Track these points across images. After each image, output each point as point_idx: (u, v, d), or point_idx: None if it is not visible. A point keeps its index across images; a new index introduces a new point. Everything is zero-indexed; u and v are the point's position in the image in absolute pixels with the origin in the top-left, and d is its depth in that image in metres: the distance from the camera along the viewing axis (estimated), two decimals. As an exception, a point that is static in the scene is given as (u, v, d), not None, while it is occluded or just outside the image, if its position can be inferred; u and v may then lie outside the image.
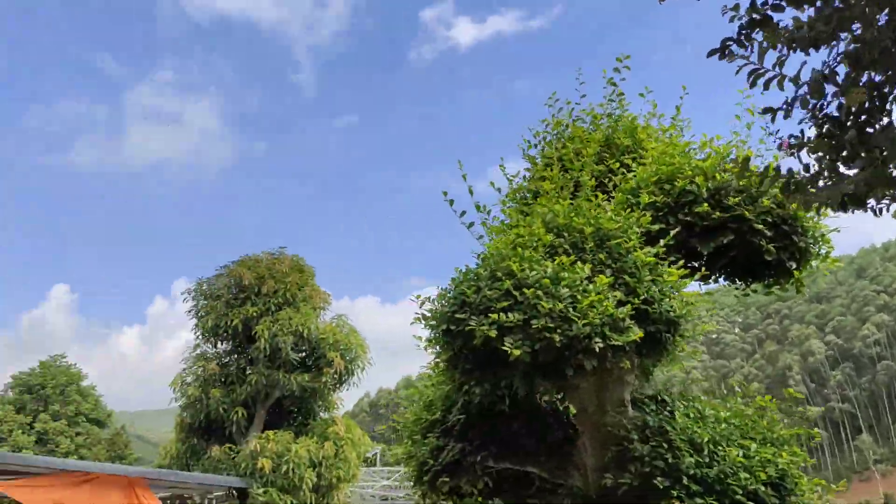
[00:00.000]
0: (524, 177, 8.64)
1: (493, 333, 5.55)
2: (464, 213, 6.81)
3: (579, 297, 5.73)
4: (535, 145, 8.76)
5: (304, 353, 20.30)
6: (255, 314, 19.45)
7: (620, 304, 6.02)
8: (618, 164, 7.69)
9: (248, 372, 19.73)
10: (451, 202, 6.68)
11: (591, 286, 5.87)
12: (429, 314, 6.27)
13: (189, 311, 20.53)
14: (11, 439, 30.23)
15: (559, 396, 7.89)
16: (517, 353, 5.49)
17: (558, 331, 5.59)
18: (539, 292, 5.65)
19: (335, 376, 20.10)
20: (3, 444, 29.46)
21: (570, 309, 5.66)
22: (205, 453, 19.39)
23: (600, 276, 5.97)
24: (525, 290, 5.66)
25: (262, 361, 19.36)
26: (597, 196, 6.92)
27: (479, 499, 8.51)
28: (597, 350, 5.70)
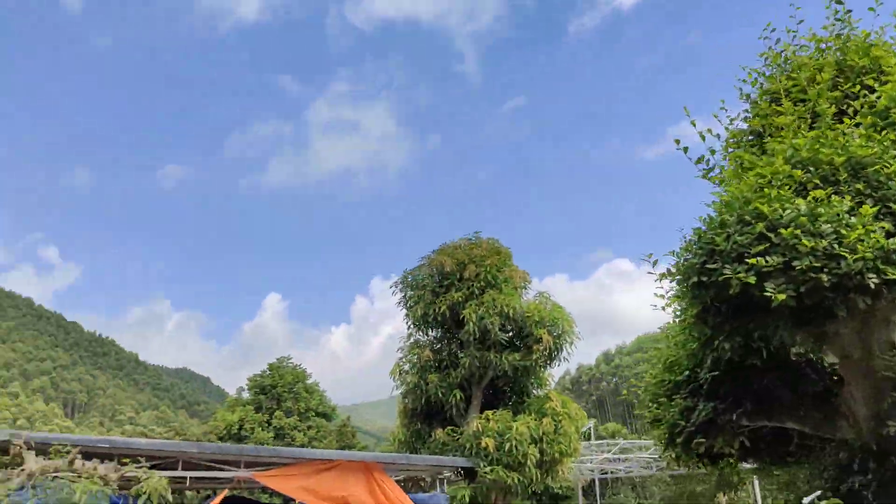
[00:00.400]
0: (745, 118, 8.10)
1: (752, 280, 5.24)
2: (702, 158, 6.50)
3: (843, 231, 5.26)
4: (754, 83, 8.16)
5: (511, 333, 20.52)
6: (460, 299, 19.93)
7: (889, 235, 5.48)
8: (857, 87, 6.99)
9: (460, 355, 20.26)
10: (686, 149, 6.41)
11: (853, 219, 5.38)
12: (673, 269, 6.05)
13: (398, 303, 21.47)
14: (254, 436, 33.29)
15: (814, 346, 7.36)
16: (781, 297, 5.14)
17: (825, 270, 5.17)
18: (797, 231, 5.25)
19: (545, 353, 20.14)
20: (248, 440, 32.50)
21: (836, 245, 5.21)
22: (429, 436, 20.18)
23: (864, 206, 5.45)
24: (781, 231, 5.29)
25: (472, 344, 19.80)
26: (842, 122, 6.33)
27: (731, 460, 8.16)
28: (871, 286, 5.22)
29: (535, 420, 18.85)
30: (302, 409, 35.22)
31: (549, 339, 19.77)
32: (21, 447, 12.00)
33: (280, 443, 33.06)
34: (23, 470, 11.46)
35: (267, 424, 34.57)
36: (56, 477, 11.40)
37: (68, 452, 12.07)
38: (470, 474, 18.76)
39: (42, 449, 12.47)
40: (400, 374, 20.91)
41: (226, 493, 14.71)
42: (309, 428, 34.97)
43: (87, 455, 12.59)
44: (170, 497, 11.69)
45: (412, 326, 21.34)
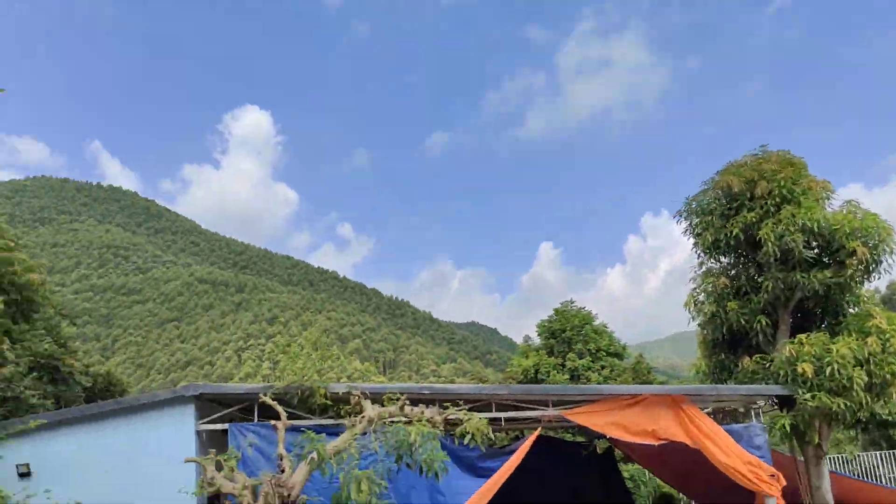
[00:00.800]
0: None
1: None
2: None
3: None
4: None
5: (817, 249, 18.65)
6: (753, 219, 18.51)
7: None
8: None
9: (759, 279, 18.90)
10: None
11: None
12: None
13: (684, 232, 20.55)
14: (550, 379, 34.29)
15: None
16: None
17: None
18: None
19: (860, 267, 18.05)
20: (545, 383, 33.54)
21: None
22: (736, 366, 19.25)
23: None
24: None
25: (773, 265, 18.36)
26: None
27: None
28: None
29: (858, 340, 17.04)
30: (593, 350, 35.45)
31: (864, 251, 17.66)
32: (359, 396, 13.51)
33: (576, 384, 33.67)
34: (363, 417, 12.89)
35: (561, 367, 35.35)
36: (392, 422, 12.68)
37: (398, 399, 13.35)
38: (786, 402, 17.55)
39: (375, 398, 13.94)
40: (695, 304, 20.09)
41: (538, 432, 15.26)
42: (602, 368, 35.15)
43: (413, 401, 13.84)
44: (492, 435, 12.44)
45: (702, 254, 20.31)
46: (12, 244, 18.27)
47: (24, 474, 14.58)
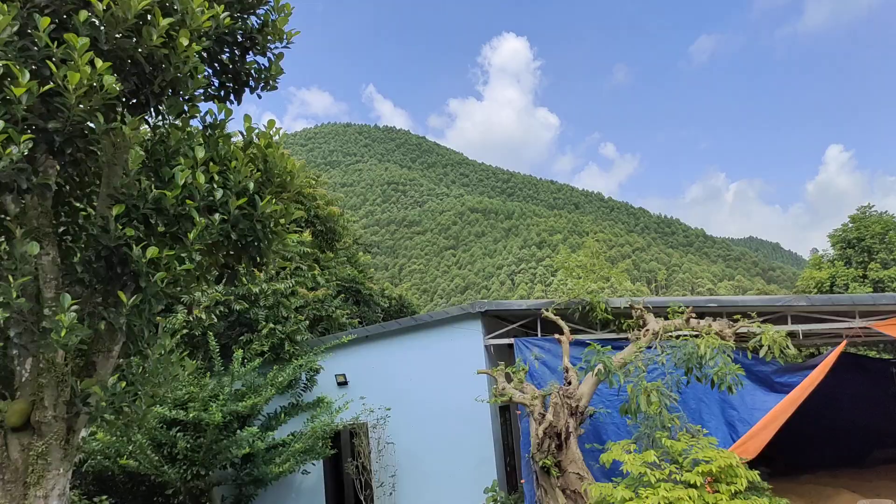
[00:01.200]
0: None
1: None
2: None
3: None
4: None
5: None
6: None
7: None
8: None
9: None
10: None
11: None
12: None
13: None
14: (850, 291, 31.12)
15: None
16: None
17: None
18: None
19: None
20: (842, 296, 30.54)
21: None
22: None
23: None
24: None
25: None
26: None
27: None
28: None
29: None
30: (901, 259, 31.51)
31: None
32: (641, 310, 13.30)
33: (882, 297, 30.17)
34: (647, 330, 12.70)
35: (862, 279, 31.97)
36: (679, 335, 12.33)
37: (682, 313, 12.93)
38: None
39: (658, 311, 13.63)
40: None
41: (843, 345, 13.92)
42: (916, 277, 31.14)
43: (698, 315, 13.30)
44: (791, 348, 11.57)
45: None
46: (314, 181, 20.46)
47: (342, 383, 16.60)
